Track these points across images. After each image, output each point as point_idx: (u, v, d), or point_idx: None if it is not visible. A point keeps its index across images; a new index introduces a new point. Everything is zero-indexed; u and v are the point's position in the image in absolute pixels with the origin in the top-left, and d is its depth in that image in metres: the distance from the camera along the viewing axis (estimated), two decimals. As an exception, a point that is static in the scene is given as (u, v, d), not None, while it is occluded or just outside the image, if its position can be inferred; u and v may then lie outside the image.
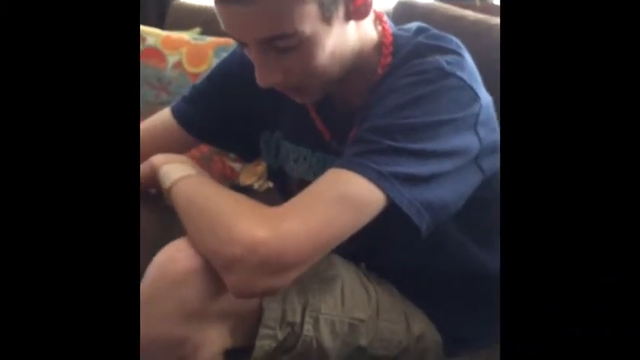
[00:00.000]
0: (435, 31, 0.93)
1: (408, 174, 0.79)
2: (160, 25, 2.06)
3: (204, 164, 1.65)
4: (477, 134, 0.85)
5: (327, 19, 0.82)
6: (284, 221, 0.75)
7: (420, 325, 1.01)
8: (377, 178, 0.78)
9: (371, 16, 0.90)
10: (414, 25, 0.97)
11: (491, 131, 0.87)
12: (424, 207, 0.81)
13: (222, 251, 0.75)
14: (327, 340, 0.91)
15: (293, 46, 0.81)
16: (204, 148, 1.68)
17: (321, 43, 0.83)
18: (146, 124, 1.10)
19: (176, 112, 1.09)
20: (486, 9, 1.50)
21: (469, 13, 1.37)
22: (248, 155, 1.20)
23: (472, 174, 0.87)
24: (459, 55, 0.88)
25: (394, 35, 0.94)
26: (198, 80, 1.11)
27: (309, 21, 0.80)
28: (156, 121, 1.11)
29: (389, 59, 0.92)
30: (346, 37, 0.86)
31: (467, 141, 0.84)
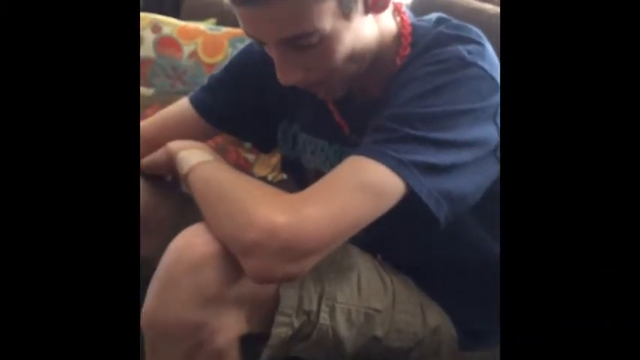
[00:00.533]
0: (455, 21, 0.93)
1: (427, 163, 0.79)
2: (176, 15, 2.06)
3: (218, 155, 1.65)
4: (497, 125, 0.84)
5: (345, 14, 0.82)
6: (304, 207, 0.75)
7: (436, 318, 1.01)
8: (397, 166, 0.78)
9: (390, 8, 0.90)
10: (433, 15, 0.96)
11: None
12: (443, 197, 0.80)
13: (242, 236, 0.75)
14: (343, 329, 0.91)
15: (313, 43, 0.82)
16: (219, 139, 1.68)
17: (340, 39, 0.83)
18: (164, 114, 1.11)
19: (195, 101, 1.09)
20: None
21: (489, 7, 1.37)
22: (265, 146, 1.20)
23: (490, 166, 0.86)
24: (480, 44, 0.87)
25: (413, 26, 0.94)
26: (216, 70, 1.12)
27: (328, 18, 0.80)
28: (174, 110, 1.11)
29: (408, 50, 0.92)
30: (366, 31, 0.86)
31: (486, 132, 0.84)
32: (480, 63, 0.84)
